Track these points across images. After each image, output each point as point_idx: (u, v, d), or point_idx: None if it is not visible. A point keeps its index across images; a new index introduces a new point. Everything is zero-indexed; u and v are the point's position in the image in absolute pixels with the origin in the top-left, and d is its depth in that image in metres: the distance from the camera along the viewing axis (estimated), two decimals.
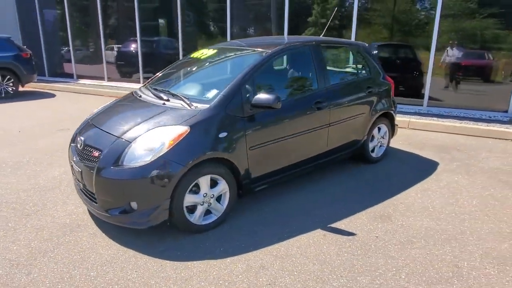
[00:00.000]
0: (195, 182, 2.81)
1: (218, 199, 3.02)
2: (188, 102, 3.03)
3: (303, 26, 8.26)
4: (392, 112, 4.55)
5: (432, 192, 3.67)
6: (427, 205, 3.41)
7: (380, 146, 4.62)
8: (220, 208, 3.03)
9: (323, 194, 3.63)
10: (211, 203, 2.95)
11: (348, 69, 4.42)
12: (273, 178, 3.39)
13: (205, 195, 2.88)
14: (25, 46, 10.19)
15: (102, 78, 11.14)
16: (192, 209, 2.88)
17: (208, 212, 2.98)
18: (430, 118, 6.55)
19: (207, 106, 2.96)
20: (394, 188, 3.78)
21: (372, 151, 4.50)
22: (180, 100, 3.11)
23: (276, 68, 3.99)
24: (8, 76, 8.87)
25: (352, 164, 4.43)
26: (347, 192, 3.69)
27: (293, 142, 3.42)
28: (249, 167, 3.12)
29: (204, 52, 4.05)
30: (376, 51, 7.42)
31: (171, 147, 2.67)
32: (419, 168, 4.33)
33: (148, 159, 2.62)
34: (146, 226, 2.70)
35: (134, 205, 2.67)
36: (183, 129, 2.77)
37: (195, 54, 4.15)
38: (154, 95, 3.38)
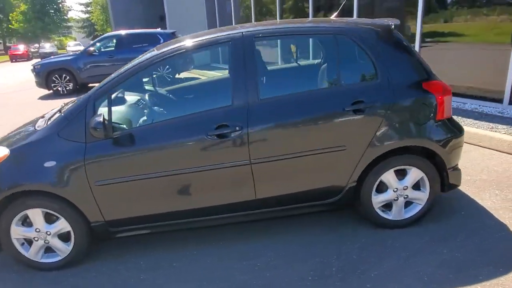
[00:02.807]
0: (23, 214, 2.41)
1: (66, 238, 2.51)
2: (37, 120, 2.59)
3: None
4: (438, 144, 2.49)
5: None
6: None
7: (410, 202, 2.66)
8: (64, 249, 2.51)
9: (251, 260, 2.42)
10: (48, 241, 2.48)
11: (320, 71, 2.63)
12: (155, 223, 2.52)
13: (37, 230, 2.45)
14: None
15: None
16: (31, 242, 2.52)
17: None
18: None
19: (44, 126, 2.44)
20: None
21: (388, 208, 2.66)
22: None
23: (166, 77, 2.85)
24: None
25: (361, 224, 2.77)
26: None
27: (177, 181, 2.40)
28: (100, 207, 2.42)
29: None
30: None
31: None
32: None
33: None
34: None
35: None
36: (4, 153, 2.40)
37: None
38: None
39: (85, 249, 2.54)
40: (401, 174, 2.59)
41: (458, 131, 2.60)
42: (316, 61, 2.95)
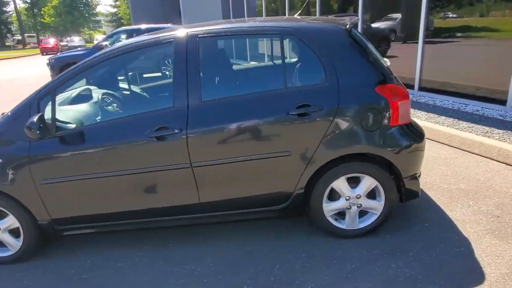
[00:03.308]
0: None
1: (17, 233, 2.56)
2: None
3: None
4: (391, 152, 2.34)
5: None
6: None
7: (365, 211, 2.53)
8: (15, 244, 2.56)
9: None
10: None
11: (266, 73, 2.50)
12: (101, 223, 2.52)
13: None
14: None
15: None
16: None
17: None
18: None
19: None
20: None
21: (341, 217, 2.54)
22: None
23: (112, 77, 2.79)
24: None
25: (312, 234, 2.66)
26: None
27: (120, 182, 2.38)
28: (46, 205, 2.44)
29: None
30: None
31: None
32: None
33: None
34: None
35: None
36: None
37: None
38: None
39: (35, 245, 2.58)
40: (354, 182, 2.46)
41: (417, 137, 2.43)
42: (263, 63, 2.84)
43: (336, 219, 2.56)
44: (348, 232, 2.56)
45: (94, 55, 2.48)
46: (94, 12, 52.84)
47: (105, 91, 2.83)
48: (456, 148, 4.01)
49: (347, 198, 2.47)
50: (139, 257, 2.57)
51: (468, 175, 3.37)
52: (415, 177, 2.47)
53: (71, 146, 2.36)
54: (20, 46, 45.11)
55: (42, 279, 2.44)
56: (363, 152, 2.34)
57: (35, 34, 53.21)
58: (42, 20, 49.21)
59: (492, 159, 3.64)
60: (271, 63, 2.40)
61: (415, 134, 2.44)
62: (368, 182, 2.43)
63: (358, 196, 2.46)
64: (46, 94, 2.38)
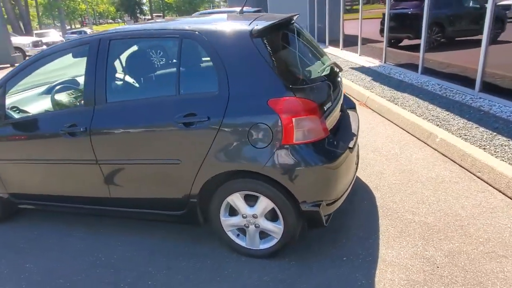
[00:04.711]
0: None
1: None
2: None
3: None
4: (280, 173, 2.08)
5: None
6: None
7: (264, 234, 2.32)
8: None
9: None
10: None
11: (164, 78, 2.28)
12: (44, 203, 2.87)
13: None
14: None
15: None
16: None
17: None
18: None
19: None
20: None
21: (243, 233, 2.39)
22: None
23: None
24: None
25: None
26: None
27: (48, 169, 2.66)
28: (2, 181, 2.89)
29: None
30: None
31: None
32: None
33: None
34: None
35: None
36: None
37: None
38: None
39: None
40: (254, 200, 2.26)
41: (325, 159, 2.09)
42: (168, 67, 2.70)
43: (238, 235, 2.42)
44: (248, 251, 2.39)
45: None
46: None
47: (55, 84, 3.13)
48: (466, 170, 3.27)
49: (244, 216, 2.30)
50: (50, 239, 2.82)
51: (449, 207, 2.75)
52: (317, 204, 2.14)
53: (14, 132, 2.71)
54: None
55: None
56: (247, 169, 2.13)
57: (161, 14, 59.57)
58: (166, 0, 54.77)
59: (500, 191, 2.89)
60: (173, 68, 2.30)
61: (323, 155, 2.10)
62: (264, 203, 2.21)
63: (255, 215, 2.27)
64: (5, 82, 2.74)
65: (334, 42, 11.57)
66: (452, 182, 3.10)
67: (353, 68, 8.03)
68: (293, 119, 2.02)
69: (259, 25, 2.19)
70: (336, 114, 2.53)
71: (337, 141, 2.27)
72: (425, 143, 3.94)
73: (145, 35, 2.43)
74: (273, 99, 2.05)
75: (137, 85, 2.68)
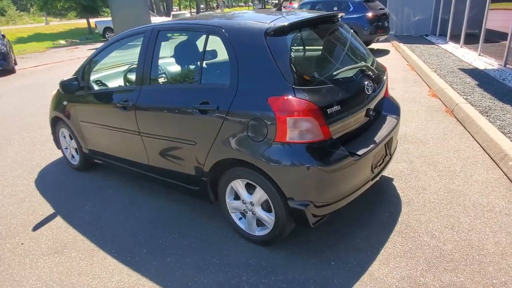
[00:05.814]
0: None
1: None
2: None
3: None
4: (270, 168, 2.17)
5: None
6: None
7: (261, 222, 2.45)
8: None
9: None
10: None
11: (193, 67, 2.38)
12: (109, 161, 3.50)
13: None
14: (385, 8, 10.71)
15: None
16: None
17: None
18: None
19: None
20: None
21: (244, 217, 2.57)
22: None
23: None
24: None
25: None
26: None
27: (111, 134, 3.24)
28: (84, 137, 3.63)
29: None
30: None
31: None
32: None
33: None
34: None
35: None
36: None
37: None
38: None
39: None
40: (253, 189, 2.42)
41: (312, 162, 2.10)
42: (196, 58, 2.85)
43: (240, 219, 2.61)
44: (247, 235, 2.57)
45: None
46: None
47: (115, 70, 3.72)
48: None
49: (244, 202, 2.48)
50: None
51: (480, 239, 2.43)
52: (305, 204, 2.18)
53: (91, 101, 3.37)
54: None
55: None
56: (242, 159, 2.28)
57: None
58: None
59: None
60: (199, 59, 2.52)
61: (317, 157, 2.12)
62: (260, 193, 2.35)
63: (252, 203, 2.42)
64: (86, 64, 3.42)
65: (455, 38, 10.25)
66: (502, 214, 2.69)
67: (461, 70, 7.11)
68: (288, 118, 2.09)
69: (277, 23, 2.27)
70: (357, 118, 2.46)
71: (340, 146, 2.24)
72: (497, 164, 3.41)
73: (184, 28, 2.75)
74: (272, 97, 2.14)
75: (172, 71, 3.05)
